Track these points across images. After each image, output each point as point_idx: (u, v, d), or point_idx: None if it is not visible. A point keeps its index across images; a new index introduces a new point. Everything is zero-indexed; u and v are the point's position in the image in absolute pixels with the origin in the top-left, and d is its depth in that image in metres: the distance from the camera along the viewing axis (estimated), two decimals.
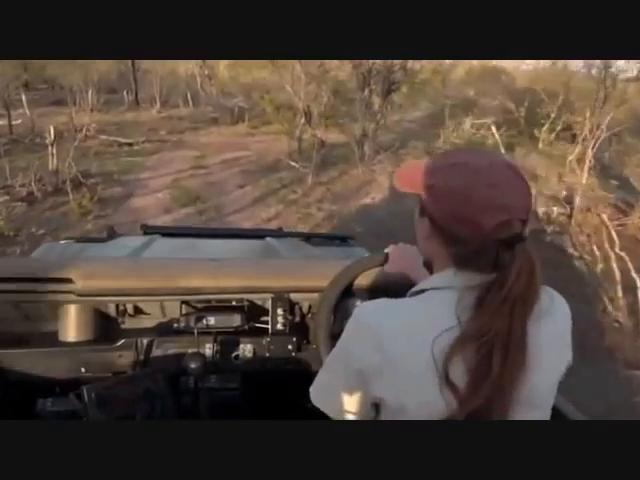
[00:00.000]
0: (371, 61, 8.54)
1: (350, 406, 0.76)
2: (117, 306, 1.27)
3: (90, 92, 14.67)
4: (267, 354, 1.28)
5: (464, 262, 0.71)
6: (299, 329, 1.33)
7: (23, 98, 8.78)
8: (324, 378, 0.82)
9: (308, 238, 2.13)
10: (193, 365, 1.15)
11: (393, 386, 0.70)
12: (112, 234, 2.11)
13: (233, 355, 1.28)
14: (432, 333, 0.67)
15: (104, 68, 17.12)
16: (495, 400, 0.65)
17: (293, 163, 8.12)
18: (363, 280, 1.21)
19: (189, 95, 16.81)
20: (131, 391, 1.12)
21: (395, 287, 0.98)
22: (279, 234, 2.18)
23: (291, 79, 8.78)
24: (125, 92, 16.43)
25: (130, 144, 9.65)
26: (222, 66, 18.45)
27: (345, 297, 1.19)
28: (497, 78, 15.84)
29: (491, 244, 0.67)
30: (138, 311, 1.30)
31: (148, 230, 2.03)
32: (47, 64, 15.11)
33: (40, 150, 7.22)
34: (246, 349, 1.28)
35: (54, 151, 6.48)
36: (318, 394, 0.82)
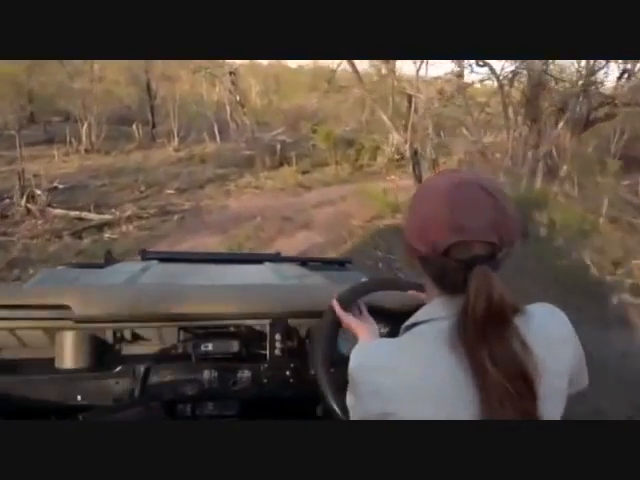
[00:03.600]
0: (533, 70, 4.51)
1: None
2: (114, 332, 1.26)
3: (85, 126, 11.20)
4: (265, 380, 1.25)
5: (443, 286, 0.72)
6: (297, 355, 1.29)
7: None
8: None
9: (305, 263, 2.10)
10: (190, 392, 1.17)
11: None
12: (110, 260, 2.06)
13: (231, 382, 1.25)
14: (430, 372, 0.67)
15: (123, 95, 14.10)
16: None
17: None
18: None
19: (216, 127, 13.17)
20: (128, 419, 1.11)
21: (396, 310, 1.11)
22: (277, 259, 2.14)
23: (388, 104, 5.02)
24: (135, 125, 13.00)
25: (101, 226, 5.32)
26: (254, 92, 14.97)
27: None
28: None
29: (454, 265, 0.68)
30: (135, 337, 1.28)
31: (146, 256, 2.00)
32: (56, 93, 12.10)
33: None
34: (244, 375, 1.25)
35: None
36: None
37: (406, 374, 0.67)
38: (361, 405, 0.73)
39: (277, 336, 1.23)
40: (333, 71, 10.68)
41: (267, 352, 1.24)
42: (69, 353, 1.20)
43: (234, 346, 1.24)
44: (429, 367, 0.67)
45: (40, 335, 1.21)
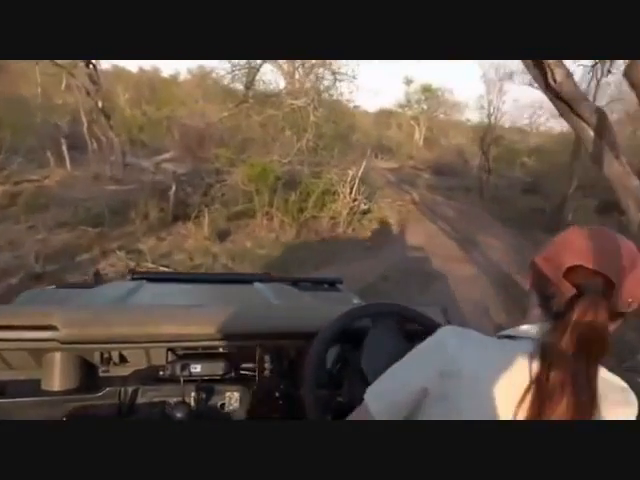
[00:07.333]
0: None
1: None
2: (101, 354, 1.24)
3: None
4: (254, 402, 1.26)
5: (547, 310, 0.77)
6: (287, 376, 1.30)
7: None
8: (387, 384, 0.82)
9: (296, 283, 2.10)
10: (178, 414, 1.14)
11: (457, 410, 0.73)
12: (98, 280, 2.03)
13: (219, 404, 1.25)
14: (504, 383, 0.71)
15: None
16: None
17: None
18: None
19: (65, 146, 8.72)
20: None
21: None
22: (267, 279, 2.13)
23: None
24: None
25: None
26: (123, 100, 10.76)
27: (338, 342, 1.18)
28: None
29: (567, 287, 0.72)
30: (123, 359, 1.26)
31: (135, 276, 1.98)
32: None
33: None
34: (232, 397, 1.25)
35: None
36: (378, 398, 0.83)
37: (474, 360, 0.72)
38: (422, 360, 0.78)
39: (266, 357, 1.24)
40: (254, 69, 6.93)
41: (256, 374, 1.24)
42: (56, 375, 1.18)
43: (222, 367, 1.24)
44: (496, 367, 0.71)
45: (26, 356, 1.18)
